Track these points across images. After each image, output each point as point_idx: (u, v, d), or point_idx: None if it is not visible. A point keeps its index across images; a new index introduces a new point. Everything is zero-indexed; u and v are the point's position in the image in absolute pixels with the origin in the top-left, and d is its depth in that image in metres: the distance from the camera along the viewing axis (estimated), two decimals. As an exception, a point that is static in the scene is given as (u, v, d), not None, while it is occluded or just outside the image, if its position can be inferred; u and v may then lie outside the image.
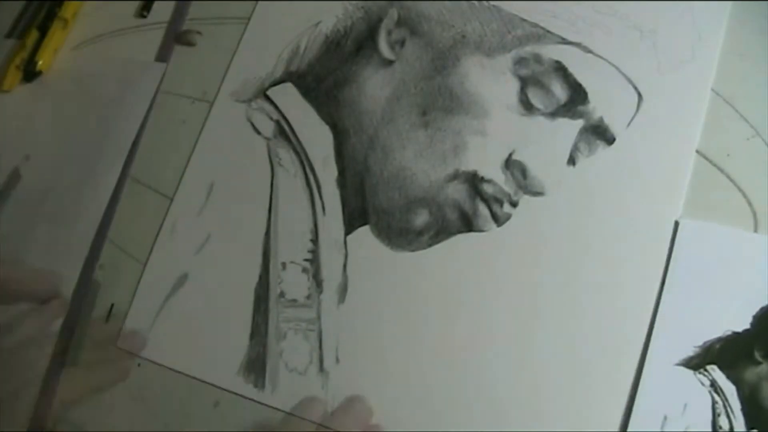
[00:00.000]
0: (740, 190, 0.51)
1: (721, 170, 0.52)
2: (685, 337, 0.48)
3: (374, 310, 0.54)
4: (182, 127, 0.62)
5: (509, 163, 0.55)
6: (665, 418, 0.47)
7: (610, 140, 0.54)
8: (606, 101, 0.55)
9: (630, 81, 0.55)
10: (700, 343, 0.48)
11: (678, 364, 0.48)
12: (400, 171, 0.56)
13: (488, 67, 0.57)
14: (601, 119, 0.54)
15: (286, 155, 0.59)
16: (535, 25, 0.57)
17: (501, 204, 0.54)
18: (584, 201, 0.53)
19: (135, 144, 0.63)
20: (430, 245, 0.54)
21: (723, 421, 0.46)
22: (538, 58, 0.56)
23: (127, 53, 0.66)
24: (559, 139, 0.55)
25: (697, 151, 0.52)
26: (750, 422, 0.46)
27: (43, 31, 0.67)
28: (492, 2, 0.59)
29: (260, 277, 0.56)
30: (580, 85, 0.55)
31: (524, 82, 0.56)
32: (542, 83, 0.55)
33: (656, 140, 0.53)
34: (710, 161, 0.52)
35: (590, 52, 0.56)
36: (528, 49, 0.57)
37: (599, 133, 0.54)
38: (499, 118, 0.56)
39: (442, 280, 0.54)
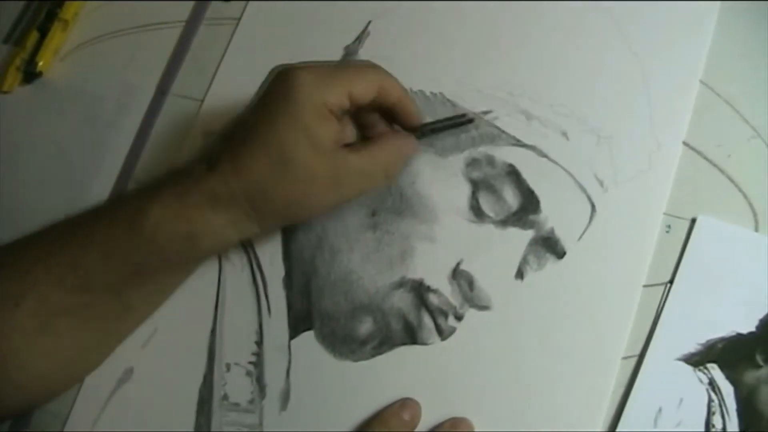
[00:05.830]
0: (741, 190, 0.51)
1: (722, 171, 0.51)
2: (688, 333, 0.48)
3: (316, 420, 0.54)
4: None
5: (456, 273, 0.53)
6: (660, 410, 0.47)
7: (560, 254, 0.52)
8: (558, 211, 0.53)
9: (584, 190, 0.53)
10: (703, 340, 0.48)
11: (678, 359, 0.48)
12: (347, 275, 0.55)
13: (440, 168, 0.55)
14: (552, 230, 0.53)
15: (234, 249, 0.58)
16: (490, 124, 0.55)
17: (446, 316, 0.53)
18: (531, 318, 0.52)
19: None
20: (373, 356, 0.54)
21: (717, 420, 0.46)
22: (491, 161, 0.54)
23: (128, 55, 0.66)
24: (508, 249, 0.53)
25: (698, 151, 0.52)
26: (744, 424, 0.46)
27: (44, 32, 0.67)
28: (448, 97, 0.56)
29: (205, 378, 0.56)
30: (532, 192, 0.53)
31: (476, 186, 0.54)
32: (494, 188, 0.54)
33: (606, 259, 0.51)
34: (711, 162, 0.52)
35: (545, 156, 0.54)
36: (481, 150, 0.55)
37: (549, 246, 0.52)
38: (449, 224, 0.54)
39: (384, 393, 0.53)
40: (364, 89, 0.49)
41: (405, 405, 0.51)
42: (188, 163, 0.53)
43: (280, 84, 0.48)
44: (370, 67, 0.51)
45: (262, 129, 0.48)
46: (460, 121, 0.54)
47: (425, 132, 0.53)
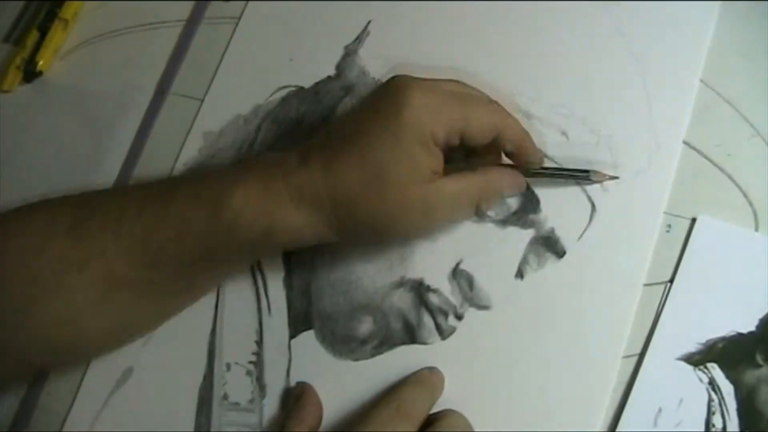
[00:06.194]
0: (741, 190, 0.50)
1: (722, 170, 0.51)
2: (688, 332, 0.48)
3: (315, 419, 0.53)
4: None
5: (456, 273, 0.53)
6: (660, 410, 0.47)
7: (560, 253, 0.52)
8: (558, 210, 0.53)
9: (584, 189, 0.53)
10: (703, 340, 0.48)
11: (678, 359, 0.48)
12: (347, 275, 0.55)
13: (440, 167, 0.55)
14: (552, 230, 0.53)
15: (233, 249, 0.57)
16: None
17: (446, 316, 0.53)
18: (531, 318, 0.52)
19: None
20: (373, 355, 0.54)
21: (717, 420, 0.46)
22: (491, 160, 0.54)
23: (128, 55, 0.67)
24: (508, 249, 0.53)
25: (698, 150, 0.52)
26: (744, 424, 0.46)
27: (43, 32, 0.68)
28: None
29: (205, 377, 0.56)
30: (532, 192, 0.53)
31: (476, 186, 0.54)
32: None
33: (606, 259, 0.51)
34: (711, 161, 0.51)
35: (545, 155, 0.54)
36: (481, 150, 0.55)
37: (550, 245, 0.52)
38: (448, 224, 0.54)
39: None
40: (479, 132, 0.46)
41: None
42: (278, 152, 0.49)
43: (392, 97, 0.45)
44: (490, 105, 0.48)
45: (362, 140, 0.46)
46: (578, 175, 0.51)
47: (538, 172, 0.51)
